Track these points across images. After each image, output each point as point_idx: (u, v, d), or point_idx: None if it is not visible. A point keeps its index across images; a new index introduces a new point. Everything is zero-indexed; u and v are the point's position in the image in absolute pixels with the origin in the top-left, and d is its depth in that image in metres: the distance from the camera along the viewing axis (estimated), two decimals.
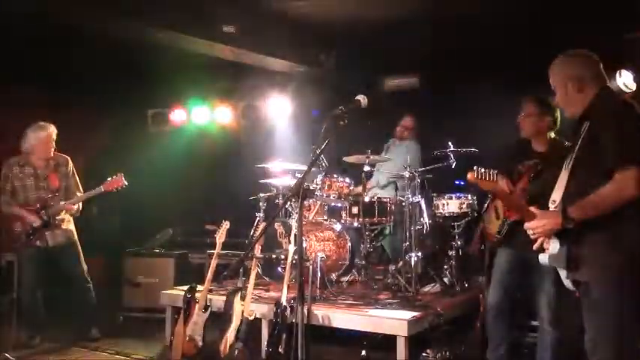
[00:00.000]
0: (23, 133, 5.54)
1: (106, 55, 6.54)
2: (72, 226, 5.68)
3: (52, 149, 5.59)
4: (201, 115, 8.23)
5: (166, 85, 7.73)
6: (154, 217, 7.51)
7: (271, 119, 7.82)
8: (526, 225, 2.97)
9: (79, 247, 5.69)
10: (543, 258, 2.95)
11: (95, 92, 7.05)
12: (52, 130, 5.58)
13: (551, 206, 2.93)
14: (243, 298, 4.67)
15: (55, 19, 5.64)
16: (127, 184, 5.47)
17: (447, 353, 4.55)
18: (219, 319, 4.75)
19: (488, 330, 4.35)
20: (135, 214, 7.41)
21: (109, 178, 5.46)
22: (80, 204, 5.62)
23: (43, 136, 5.52)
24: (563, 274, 2.89)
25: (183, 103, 8.29)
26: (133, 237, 7.18)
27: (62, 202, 5.53)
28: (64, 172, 5.63)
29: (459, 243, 5.62)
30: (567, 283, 2.89)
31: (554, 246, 2.88)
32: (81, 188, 5.72)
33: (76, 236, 5.69)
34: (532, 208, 3.00)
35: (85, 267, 5.67)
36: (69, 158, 5.72)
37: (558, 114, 4.16)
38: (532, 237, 2.95)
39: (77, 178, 5.75)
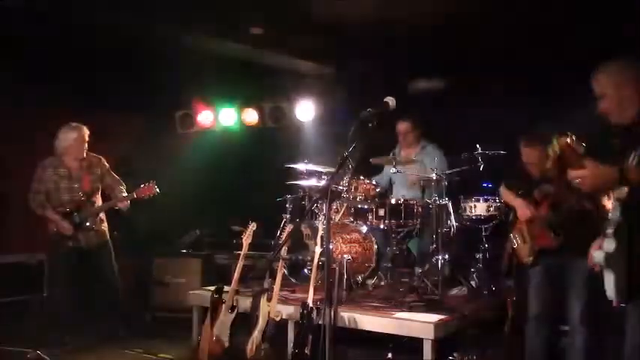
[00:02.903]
0: (55, 135, 5.58)
1: (134, 56, 6.61)
2: (105, 226, 5.74)
3: (85, 150, 5.63)
4: (229, 117, 8.27)
5: (194, 87, 7.78)
6: (181, 218, 7.57)
7: (298, 121, 7.84)
8: (574, 173, 2.78)
9: (111, 247, 5.76)
10: (599, 256, 2.81)
11: (123, 93, 7.13)
12: (85, 130, 5.61)
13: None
14: (269, 299, 4.68)
15: (83, 19, 5.71)
16: (158, 191, 5.51)
17: (474, 357, 4.51)
18: (245, 320, 4.78)
19: (528, 341, 4.23)
20: (163, 214, 7.47)
21: (142, 185, 5.52)
22: (129, 201, 5.59)
23: (75, 137, 5.55)
24: (610, 277, 2.75)
25: (211, 105, 8.34)
26: (161, 238, 7.24)
27: (97, 205, 5.63)
28: (97, 173, 5.67)
29: (486, 246, 5.57)
30: (609, 293, 2.76)
31: (608, 244, 2.75)
32: (121, 182, 5.75)
33: (108, 236, 5.75)
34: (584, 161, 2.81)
35: (115, 267, 5.73)
36: (102, 158, 5.76)
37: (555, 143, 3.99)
38: (576, 185, 2.78)
39: (114, 174, 5.79)
